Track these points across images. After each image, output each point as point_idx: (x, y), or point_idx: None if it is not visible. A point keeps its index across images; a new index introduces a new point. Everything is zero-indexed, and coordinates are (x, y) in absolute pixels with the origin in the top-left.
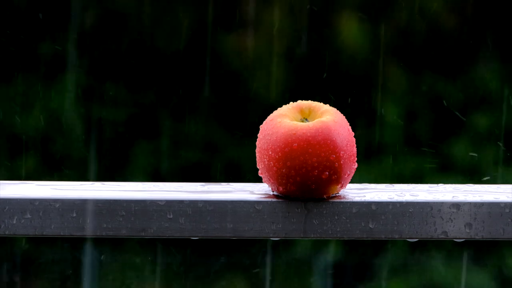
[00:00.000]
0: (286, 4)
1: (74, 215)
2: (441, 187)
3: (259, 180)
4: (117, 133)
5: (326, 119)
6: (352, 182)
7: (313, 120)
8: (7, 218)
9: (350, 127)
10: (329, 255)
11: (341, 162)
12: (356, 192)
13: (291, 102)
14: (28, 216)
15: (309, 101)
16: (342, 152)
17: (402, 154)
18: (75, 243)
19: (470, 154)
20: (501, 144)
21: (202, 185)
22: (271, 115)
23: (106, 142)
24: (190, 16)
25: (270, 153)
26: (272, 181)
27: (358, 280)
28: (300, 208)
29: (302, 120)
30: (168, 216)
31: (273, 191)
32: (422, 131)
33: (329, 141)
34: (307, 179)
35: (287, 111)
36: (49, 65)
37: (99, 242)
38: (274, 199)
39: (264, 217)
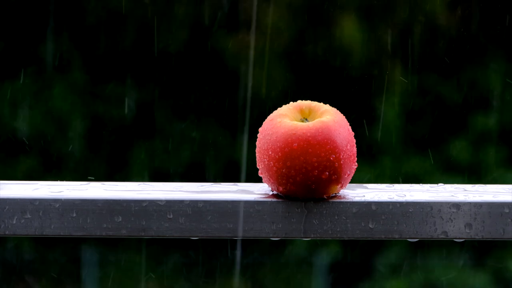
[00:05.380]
0: (286, 4)
1: (74, 215)
2: (441, 187)
3: (259, 180)
4: (117, 133)
5: (326, 119)
6: (352, 182)
7: (313, 120)
8: (7, 218)
9: (350, 127)
10: (328, 255)
11: (341, 162)
12: (356, 192)
13: (291, 102)
14: (28, 216)
15: (309, 101)
16: (342, 152)
17: (402, 154)
18: (75, 243)
19: (470, 154)
20: (501, 144)
21: (202, 185)
22: (271, 115)
23: (106, 141)
24: (190, 16)
25: (270, 153)
26: (272, 181)
27: (357, 279)
28: (300, 208)
29: (302, 120)
30: (168, 216)
31: (273, 191)
32: (422, 131)
33: (329, 141)
34: (307, 179)
35: (287, 111)
36: (50, 65)
37: (99, 242)
38: (274, 199)
39: (264, 217)
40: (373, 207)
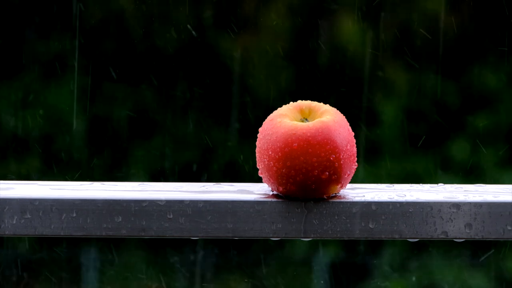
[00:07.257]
0: (286, 5)
1: (74, 215)
2: (441, 187)
3: (259, 180)
4: (117, 133)
5: (326, 119)
6: (352, 182)
7: (313, 120)
8: (7, 218)
9: (350, 127)
10: (328, 255)
11: (341, 162)
12: (356, 192)
13: (291, 102)
14: (28, 216)
15: (309, 101)
16: (342, 152)
17: (402, 154)
18: (75, 243)
19: (470, 154)
20: (500, 144)
21: (202, 185)
22: (271, 115)
23: (106, 141)
24: (190, 16)
25: (270, 153)
26: (272, 181)
27: (357, 279)
28: (300, 208)
29: (302, 120)
30: (168, 216)
31: (273, 191)
32: (422, 131)
33: (329, 141)
34: (307, 179)
35: (287, 111)
36: (49, 64)
37: (99, 242)
38: (274, 199)
39: (264, 217)
40: (373, 207)
